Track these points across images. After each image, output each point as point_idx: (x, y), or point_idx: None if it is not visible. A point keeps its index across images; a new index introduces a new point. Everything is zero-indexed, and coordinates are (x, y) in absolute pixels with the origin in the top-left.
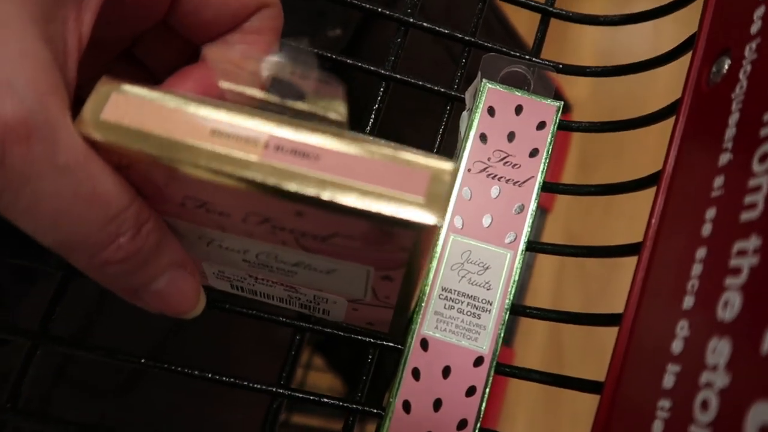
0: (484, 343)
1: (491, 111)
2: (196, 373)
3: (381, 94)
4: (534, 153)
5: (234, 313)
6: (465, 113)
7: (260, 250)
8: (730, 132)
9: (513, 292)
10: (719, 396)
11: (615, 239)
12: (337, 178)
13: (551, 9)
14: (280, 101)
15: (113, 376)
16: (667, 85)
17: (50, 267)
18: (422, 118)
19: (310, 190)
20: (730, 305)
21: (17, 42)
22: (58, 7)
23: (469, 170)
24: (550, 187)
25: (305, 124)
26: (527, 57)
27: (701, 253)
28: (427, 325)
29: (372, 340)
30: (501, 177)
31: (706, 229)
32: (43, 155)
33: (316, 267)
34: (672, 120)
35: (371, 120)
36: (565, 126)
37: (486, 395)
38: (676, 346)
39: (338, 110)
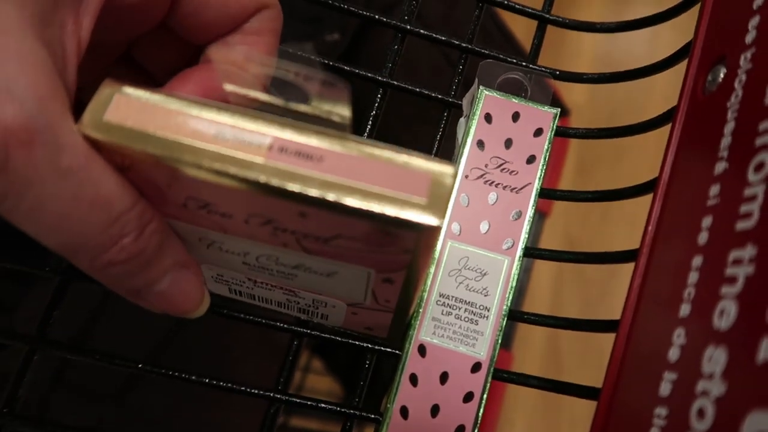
0: (482, 349)
1: (488, 118)
2: (193, 378)
3: (378, 100)
4: (531, 160)
5: (232, 318)
6: (462, 120)
7: (261, 253)
8: (726, 141)
9: (510, 298)
10: (715, 405)
11: (614, 243)
12: (341, 179)
13: (548, 16)
14: (283, 103)
15: (111, 380)
16: (665, 89)
17: (48, 272)
18: (420, 125)
19: (314, 191)
20: (725, 314)
21: (16, 46)
22: (56, 11)
23: (466, 177)
24: (547, 194)
25: (309, 127)
26: (524, 64)
27: (697, 261)
28: (424, 331)
29: (370, 346)
30: (498, 183)
31: (702, 238)
32: (46, 159)
33: (317, 270)
34: (669, 127)
35: (369, 126)
36: (563, 132)
37: (483, 401)
38: (673, 354)
39: (342, 113)
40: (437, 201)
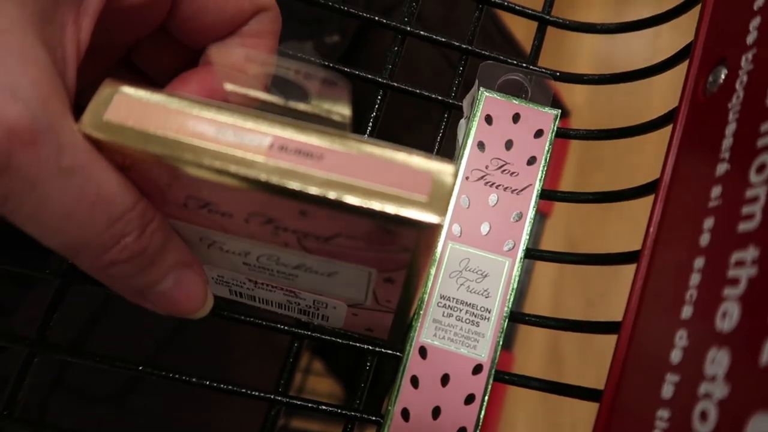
0: (483, 351)
1: (489, 119)
2: (194, 380)
3: (379, 102)
4: (532, 161)
5: (232, 320)
6: (463, 121)
7: (262, 253)
8: (727, 142)
9: (512, 299)
10: (718, 407)
11: (615, 243)
12: (342, 177)
13: (548, 17)
14: (283, 102)
15: (111, 382)
16: (665, 90)
17: (48, 274)
18: (420, 126)
19: (314, 189)
20: (728, 316)
21: (18, 45)
22: (56, 11)
23: (467, 178)
24: (548, 195)
25: (309, 126)
26: (525, 65)
27: (699, 262)
28: (425, 333)
29: (370, 347)
30: (499, 185)
31: (704, 239)
32: (48, 159)
33: (318, 269)
34: (670, 128)
35: (369, 128)
36: (563, 134)
37: (485, 403)
38: (675, 356)
39: (342, 112)
40: (438, 199)
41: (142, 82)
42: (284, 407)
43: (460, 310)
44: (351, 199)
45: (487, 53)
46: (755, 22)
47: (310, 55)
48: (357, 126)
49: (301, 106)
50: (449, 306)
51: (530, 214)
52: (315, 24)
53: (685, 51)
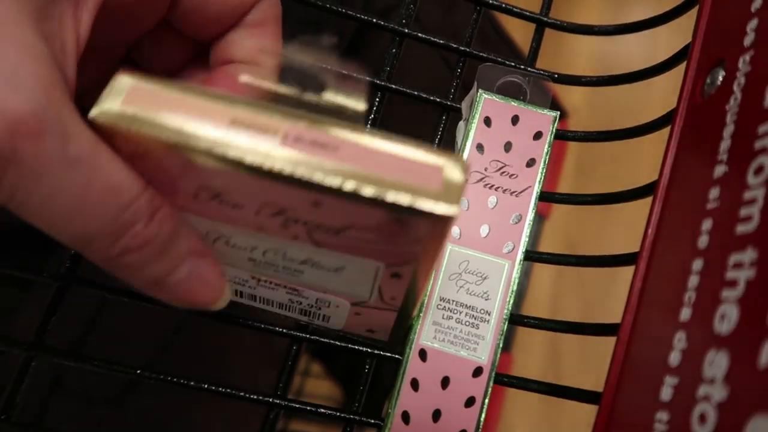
0: (483, 354)
1: (488, 121)
2: (192, 383)
3: (377, 104)
4: (531, 163)
5: (230, 323)
6: (461, 123)
7: (269, 247)
8: (725, 144)
9: (511, 302)
10: (717, 409)
11: (614, 243)
12: (357, 168)
13: (546, 19)
14: (299, 94)
15: (110, 384)
16: (664, 91)
17: (46, 278)
18: (418, 128)
19: (329, 180)
20: (727, 318)
21: (18, 38)
22: (53, 6)
23: (465, 180)
24: (546, 197)
25: (323, 119)
26: (523, 67)
27: (698, 264)
28: (425, 336)
29: (369, 350)
30: (498, 187)
31: (703, 241)
32: (55, 149)
33: (324, 264)
34: (668, 129)
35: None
36: (561, 135)
37: (485, 406)
38: (674, 358)
39: (356, 106)
40: (451, 191)
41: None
42: (283, 410)
43: (460, 313)
44: (366, 190)
45: (485, 55)
46: (753, 24)
47: (329, 44)
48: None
49: (316, 99)
50: (449, 308)
51: (530, 216)
52: (312, 26)
53: (683, 52)
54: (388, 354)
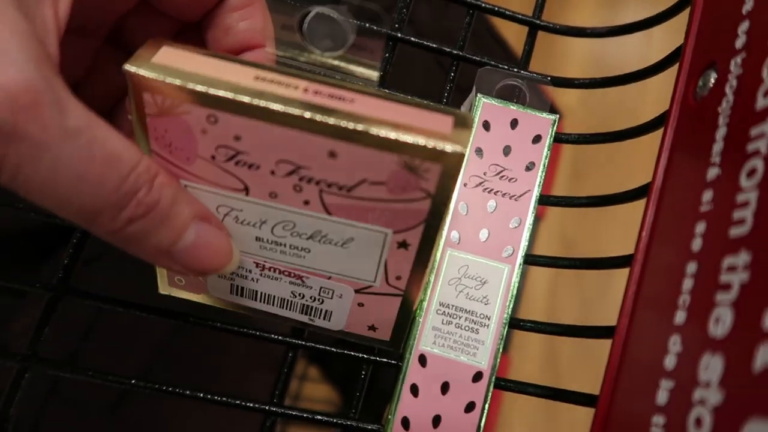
0: (483, 358)
1: (486, 125)
2: (188, 392)
3: None
4: (530, 167)
5: (226, 332)
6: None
7: (278, 220)
8: (718, 146)
9: (511, 306)
10: (713, 413)
11: (610, 243)
12: (372, 115)
13: (538, 22)
14: (320, 54)
15: (106, 392)
16: (658, 89)
17: (38, 288)
18: None
19: (347, 123)
20: (721, 321)
21: (2, 15)
22: None
23: (465, 185)
24: (542, 200)
25: (339, 81)
26: (522, 71)
27: (692, 267)
28: (425, 341)
29: (366, 356)
30: (497, 191)
31: (696, 244)
32: (54, 121)
33: (332, 238)
34: (661, 130)
35: None
36: (556, 138)
37: (485, 411)
38: (669, 362)
39: (370, 75)
40: (460, 135)
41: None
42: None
43: (460, 318)
44: (381, 131)
45: (478, 59)
46: (744, 26)
47: (345, 17)
48: None
49: (334, 61)
50: (448, 313)
51: (529, 220)
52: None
53: (676, 54)
54: (385, 360)
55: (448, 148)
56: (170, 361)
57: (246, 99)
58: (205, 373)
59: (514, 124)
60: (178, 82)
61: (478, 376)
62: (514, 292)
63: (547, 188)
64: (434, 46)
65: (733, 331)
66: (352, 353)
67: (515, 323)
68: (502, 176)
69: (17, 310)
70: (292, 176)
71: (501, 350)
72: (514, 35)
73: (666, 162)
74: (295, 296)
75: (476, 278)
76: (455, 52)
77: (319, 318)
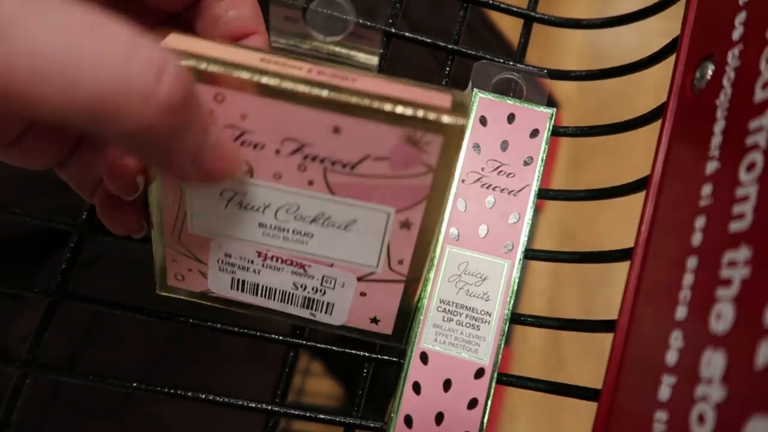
0: (485, 355)
1: (483, 120)
2: (189, 394)
3: None
4: (528, 161)
5: (226, 333)
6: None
7: (282, 203)
8: (716, 140)
9: (512, 301)
10: (716, 410)
11: (610, 231)
12: (375, 91)
13: (534, 14)
14: (322, 39)
15: (107, 395)
16: (656, 78)
17: (37, 293)
18: None
19: (351, 97)
20: (722, 317)
21: None
22: None
23: (463, 181)
24: (540, 194)
25: (341, 65)
26: (518, 64)
27: (692, 262)
28: (426, 338)
29: (368, 355)
30: (496, 187)
31: (696, 239)
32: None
33: (336, 220)
34: (659, 122)
35: None
36: (553, 131)
37: (488, 407)
38: (671, 358)
39: (370, 61)
40: (460, 109)
41: None
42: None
43: (460, 314)
44: (385, 105)
45: (474, 53)
46: (741, 17)
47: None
48: None
49: (336, 48)
50: (449, 310)
51: (528, 215)
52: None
53: (672, 45)
54: (387, 358)
55: (450, 119)
56: (171, 362)
57: (254, 76)
58: (206, 372)
59: (511, 118)
60: (189, 62)
61: (480, 373)
62: (515, 288)
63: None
64: (429, 41)
65: (734, 327)
66: (354, 351)
67: (516, 318)
68: (500, 171)
69: (16, 314)
70: (296, 155)
71: (502, 346)
72: (510, 28)
73: (664, 155)
74: (297, 288)
75: (476, 274)
76: (450, 46)
77: (321, 312)
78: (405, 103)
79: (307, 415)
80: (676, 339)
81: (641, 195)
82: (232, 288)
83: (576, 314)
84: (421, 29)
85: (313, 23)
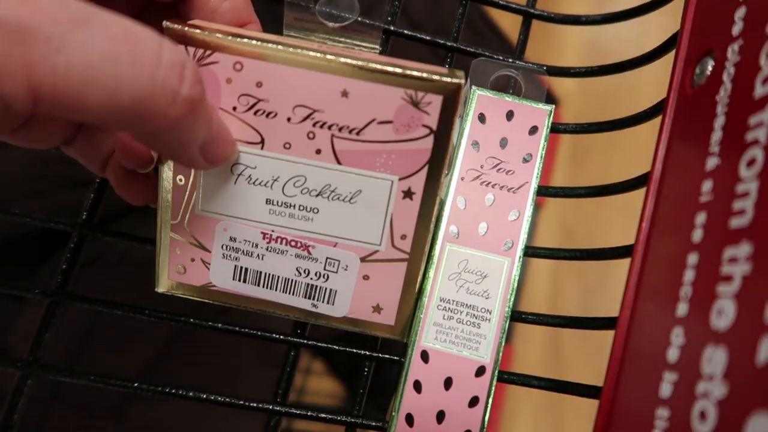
0: (485, 353)
1: (482, 118)
2: (191, 394)
3: None
4: (527, 158)
5: (228, 332)
6: (456, 120)
7: (290, 176)
8: (716, 136)
9: (512, 299)
10: (717, 406)
11: (610, 229)
12: (380, 59)
13: (533, 11)
14: (331, 26)
15: (109, 394)
16: (656, 73)
17: (37, 294)
18: None
19: (359, 62)
20: (724, 314)
21: None
22: None
23: (462, 179)
24: (539, 191)
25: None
26: (516, 61)
27: (693, 259)
28: (426, 337)
29: (369, 353)
30: (495, 184)
31: (697, 235)
32: (59, 11)
33: (341, 192)
34: (659, 118)
35: None
36: (553, 128)
37: (489, 405)
38: (672, 354)
39: (373, 44)
40: (457, 74)
41: None
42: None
43: (461, 312)
44: (388, 66)
45: (473, 50)
46: (741, 12)
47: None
48: None
49: (341, 38)
50: (449, 308)
51: (528, 212)
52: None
53: (672, 41)
54: (387, 357)
55: (448, 79)
56: (172, 362)
57: (272, 45)
58: (207, 372)
59: (509, 115)
60: (216, 34)
61: (481, 371)
62: (515, 285)
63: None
64: (428, 38)
65: (736, 324)
66: (355, 350)
67: (517, 316)
68: (500, 169)
69: (17, 314)
70: (306, 122)
71: (503, 344)
72: (509, 25)
73: (665, 151)
74: (300, 274)
75: (476, 272)
76: (449, 43)
77: (323, 301)
78: (407, 67)
79: (309, 414)
80: (678, 336)
81: (641, 192)
82: (234, 278)
83: (577, 311)
84: (421, 26)
85: (322, 14)
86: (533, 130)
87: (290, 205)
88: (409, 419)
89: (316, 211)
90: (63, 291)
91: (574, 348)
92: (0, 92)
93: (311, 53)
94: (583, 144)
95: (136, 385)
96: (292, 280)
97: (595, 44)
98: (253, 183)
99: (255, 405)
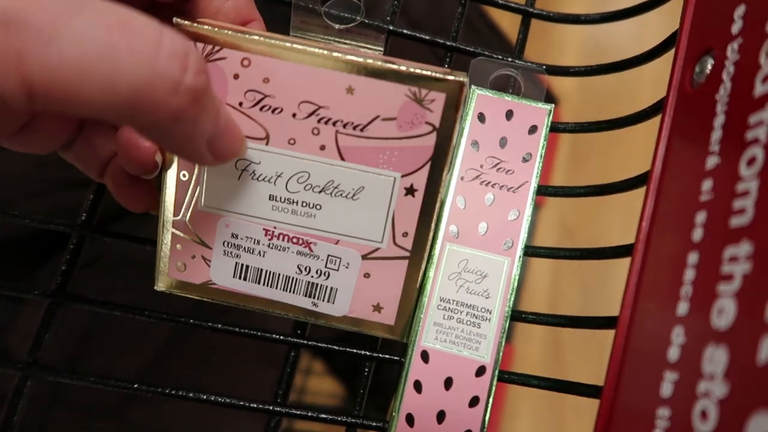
0: (486, 353)
1: (481, 117)
2: (191, 395)
3: None
4: (527, 158)
5: (227, 333)
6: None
7: (294, 172)
8: (716, 134)
9: (512, 299)
10: (718, 406)
11: (610, 228)
12: (385, 57)
13: (532, 10)
14: (336, 27)
15: (109, 395)
16: (655, 72)
17: (37, 295)
18: None
19: (365, 60)
20: (724, 313)
21: None
22: None
23: (462, 178)
24: (540, 190)
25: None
26: (515, 60)
27: (693, 258)
28: (426, 337)
29: (369, 353)
30: (495, 184)
31: (697, 234)
32: (51, 1)
33: (344, 189)
34: (659, 117)
35: None
36: (552, 128)
37: (490, 405)
38: (673, 353)
39: (377, 46)
40: (458, 74)
41: None
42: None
43: (461, 312)
44: (393, 64)
45: (472, 50)
46: (740, 10)
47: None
48: None
49: (346, 40)
50: (449, 308)
51: (527, 211)
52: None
53: (672, 39)
54: (387, 357)
55: (451, 76)
56: (171, 362)
57: (280, 42)
58: (207, 373)
59: (509, 115)
60: (225, 30)
61: (481, 371)
62: (515, 285)
63: (545, 175)
64: (427, 37)
65: (736, 323)
66: (355, 351)
67: (517, 315)
68: (499, 168)
69: (17, 315)
70: (311, 118)
71: (503, 343)
72: (508, 24)
73: (664, 150)
74: (301, 271)
75: (476, 272)
76: (449, 43)
77: (324, 300)
78: (410, 65)
79: (309, 414)
80: (678, 335)
81: (641, 191)
82: (234, 276)
83: (577, 311)
84: (420, 26)
85: (328, 17)
86: (533, 129)
87: (293, 202)
88: (410, 419)
89: (318, 207)
90: (63, 292)
91: (574, 347)
92: None
93: (318, 51)
94: (583, 143)
95: (136, 386)
96: (292, 278)
97: (595, 43)
98: (257, 179)
99: (255, 405)
